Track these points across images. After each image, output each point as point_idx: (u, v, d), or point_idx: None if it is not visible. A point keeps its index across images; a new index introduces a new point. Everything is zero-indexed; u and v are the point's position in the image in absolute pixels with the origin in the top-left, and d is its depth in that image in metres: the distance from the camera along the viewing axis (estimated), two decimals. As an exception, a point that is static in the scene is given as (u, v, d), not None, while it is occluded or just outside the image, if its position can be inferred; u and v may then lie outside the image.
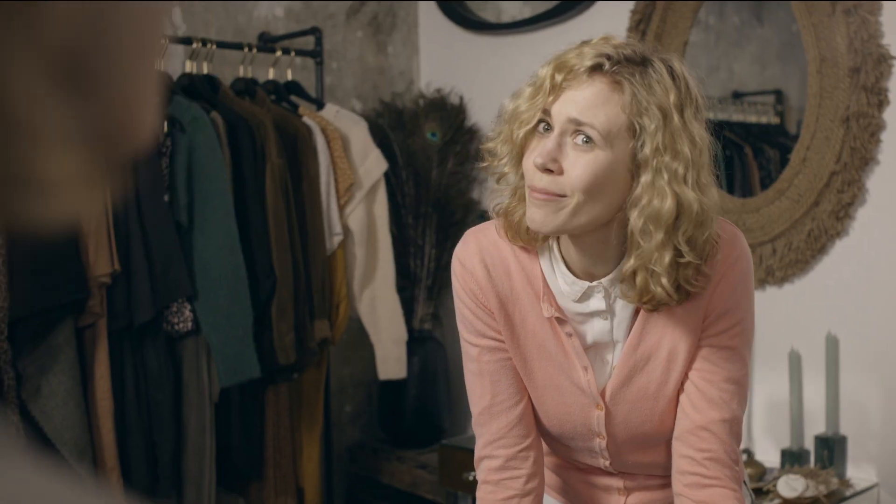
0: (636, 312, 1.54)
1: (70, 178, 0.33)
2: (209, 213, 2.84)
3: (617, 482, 1.68)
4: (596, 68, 1.40)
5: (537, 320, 1.55)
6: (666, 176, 1.38)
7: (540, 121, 1.43)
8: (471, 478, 3.24)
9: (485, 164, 1.54)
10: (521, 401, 1.59)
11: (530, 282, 1.55)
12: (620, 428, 1.59)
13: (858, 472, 2.84)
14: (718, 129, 1.53)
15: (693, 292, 1.47)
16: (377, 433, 3.90)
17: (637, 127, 1.38)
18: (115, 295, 2.68)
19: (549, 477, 1.76)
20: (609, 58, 1.40)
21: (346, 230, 3.26)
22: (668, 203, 1.37)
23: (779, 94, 3.45)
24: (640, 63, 1.41)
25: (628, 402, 1.57)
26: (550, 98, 1.41)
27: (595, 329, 1.55)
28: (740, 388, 1.54)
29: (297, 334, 3.04)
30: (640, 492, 1.69)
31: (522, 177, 1.46)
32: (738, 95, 3.48)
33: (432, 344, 3.75)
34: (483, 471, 1.62)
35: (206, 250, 2.84)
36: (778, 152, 3.35)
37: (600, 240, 1.47)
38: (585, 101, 1.38)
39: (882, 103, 2.74)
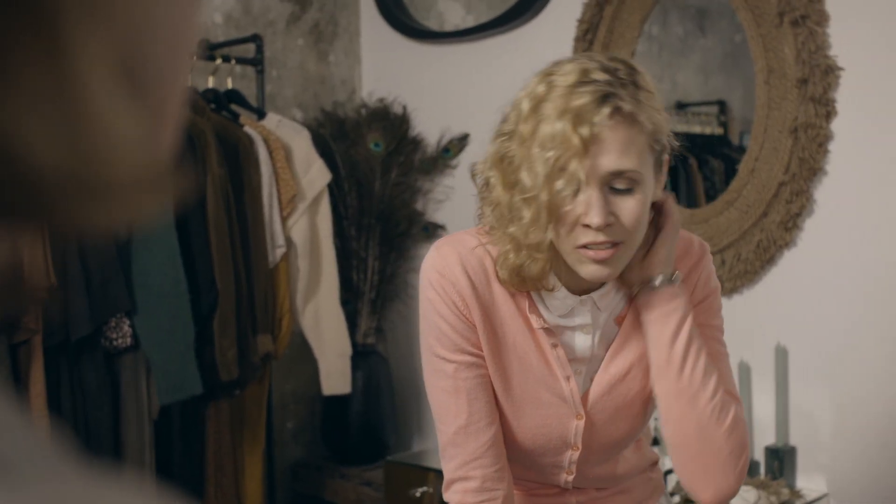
0: (619, 323, 1.59)
1: (138, 183, 0.33)
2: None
3: (569, 499, 1.69)
4: (616, 111, 1.39)
5: (518, 332, 1.55)
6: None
7: None
8: (417, 494, 3.23)
9: (490, 230, 1.53)
10: (495, 420, 1.57)
11: (512, 293, 1.55)
12: (597, 437, 1.61)
13: (808, 483, 2.88)
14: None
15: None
16: (320, 450, 3.88)
17: (656, 148, 1.45)
18: (52, 310, 2.63)
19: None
20: (616, 96, 1.39)
21: (289, 242, 3.24)
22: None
23: (722, 105, 3.50)
24: (633, 83, 1.42)
25: (609, 411, 1.59)
26: (587, 161, 1.38)
27: (577, 342, 1.57)
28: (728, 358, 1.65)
29: (240, 349, 3.02)
30: None
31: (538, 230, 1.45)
32: (681, 106, 3.53)
33: (376, 358, 3.74)
34: (457, 493, 1.57)
35: (146, 264, 2.80)
36: (722, 163, 3.39)
37: None
38: (618, 149, 1.39)
39: (829, 114, 2.79)
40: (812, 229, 2.86)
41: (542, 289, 1.52)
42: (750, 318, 2.97)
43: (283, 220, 3.21)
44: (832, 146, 2.81)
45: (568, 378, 1.56)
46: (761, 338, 2.93)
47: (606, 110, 1.37)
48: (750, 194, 2.96)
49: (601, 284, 1.55)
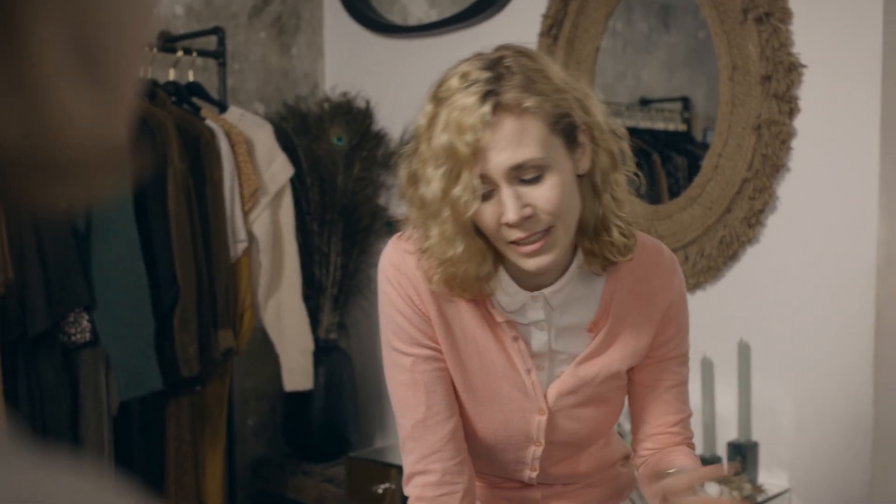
0: (591, 332, 1.58)
1: (94, 163, 0.33)
2: (108, 220, 2.78)
3: (534, 493, 1.70)
4: (498, 107, 1.38)
5: (478, 326, 1.55)
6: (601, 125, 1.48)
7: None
8: (380, 491, 3.23)
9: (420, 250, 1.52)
10: (455, 413, 1.57)
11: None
12: (559, 434, 1.61)
13: (770, 478, 2.91)
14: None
15: (649, 310, 1.58)
16: (281, 447, 3.86)
17: (560, 126, 1.41)
18: (9, 304, 2.60)
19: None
20: (497, 91, 1.38)
21: (251, 237, 3.23)
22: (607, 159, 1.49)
23: (686, 101, 3.52)
24: (521, 70, 1.41)
25: (572, 410, 1.60)
26: (477, 167, 1.38)
27: (532, 338, 1.56)
28: (687, 384, 1.68)
29: (201, 345, 3.00)
30: (555, 501, 1.71)
31: (466, 236, 1.45)
32: (645, 102, 3.55)
33: (338, 354, 3.73)
34: (417, 486, 1.58)
35: (106, 258, 2.78)
36: (685, 160, 3.42)
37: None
38: (510, 144, 1.38)
39: (793, 111, 2.81)
40: (775, 226, 2.89)
41: (484, 294, 1.53)
42: (713, 314, 2.99)
43: (245, 214, 3.20)
44: (795, 143, 2.83)
45: (529, 371, 1.56)
46: (724, 333, 2.95)
47: (487, 109, 1.36)
48: (713, 191, 2.98)
49: (556, 279, 1.54)
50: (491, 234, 1.45)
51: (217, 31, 3.45)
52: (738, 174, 2.91)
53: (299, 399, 3.61)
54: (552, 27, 3.28)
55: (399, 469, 3.25)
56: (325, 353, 3.65)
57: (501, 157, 1.38)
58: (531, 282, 1.54)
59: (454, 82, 1.40)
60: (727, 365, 2.93)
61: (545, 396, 1.58)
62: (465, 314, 1.55)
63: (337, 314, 3.74)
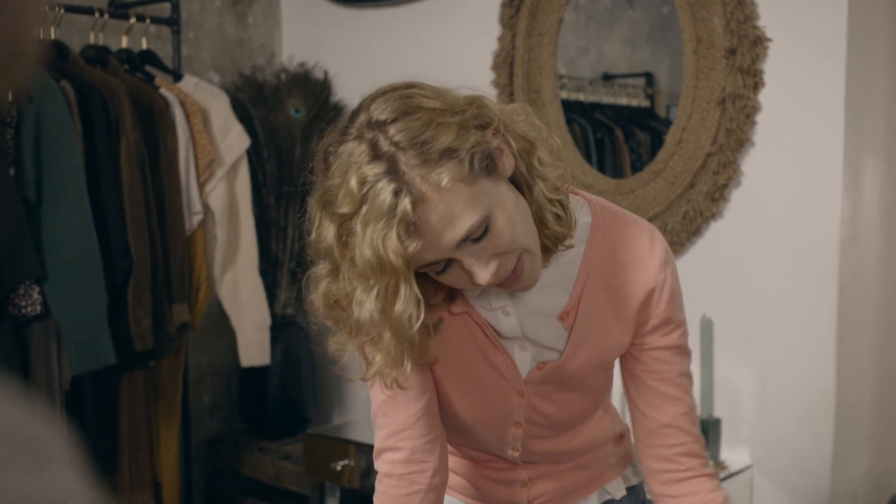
0: (563, 319, 1.52)
1: None
2: (59, 190, 2.75)
3: (520, 474, 1.68)
4: (416, 201, 1.26)
5: (447, 314, 1.51)
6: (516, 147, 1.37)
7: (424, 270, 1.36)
8: (338, 468, 3.23)
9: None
10: (427, 390, 1.55)
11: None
12: (539, 416, 1.58)
13: (732, 455, 2.94)
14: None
15: (627, 293, 1.51)
16: (237, 424, 3.85)
17: (476, 165, 1.30)
18: (-44, 276, 2.58)
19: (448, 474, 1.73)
20: (403, 179, 1.26)
21: (207, 209, 3.20)
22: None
23: (649, 77, 3.53)
24: (409, 139, 1.28)
25: (551, 395, 1.57)
26: (413, 271, 1.31)
27: (501, 324, 1.52)
28: (691, 379, 1.59)
29: (155, 319, 2.98)
30: (542, 482, 1.69)
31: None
32: (608, 77, 3.56)
33: (295, 330, 3.72)
34: (386, 462, 1.56)
35: (57, 229, 2.75)
36: (649, 136, 3.43)
37: None
38: (445, 227, 1.29)
39: (757, 85, 2.83)
40: (739, 201, 2.91)
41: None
42: (675, 290, 3.01)
43: (201, 186, 3.17)
44: (760, 117, 2.85)
45: (503, 352, 1.53)
46: (687, 309, 2.96)
47: (406, 208, 1.25)
48: (677, 165, 2.99)
49: None
50: (467, 289, 1.42)
51: (171, -3, 3.42)
52: (701, 148, 2.93)
53: (255, 375, 3.60)
54: (515, -2, 3.28)
55: (358, 446, 3.25)
56: (281, 328, 3.63)
57: (443, 242, 1.29)
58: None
59: (353, 192, 1.27)
60: (690, 341, 2.94)
61: (525, 380, 1.55)
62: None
63: (294, 289, 3.72)
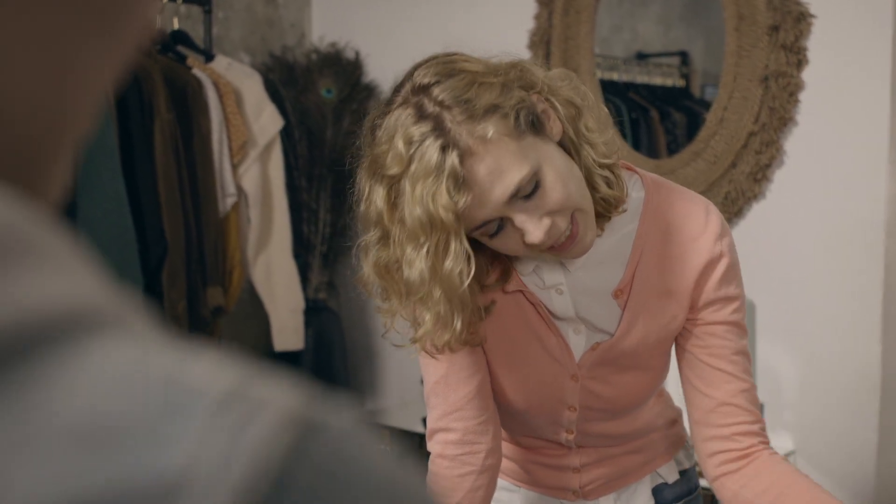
0: (617, 297, 1.53)
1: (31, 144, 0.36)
2: (94, 173, 2.79)
3: (573, 460, 1.69)
4: (463, 154, 1.32)
5: (500, 295, 1.54)
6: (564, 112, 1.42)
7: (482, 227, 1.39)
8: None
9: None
10: (479, 370, 1.57)
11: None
12: (595, 399, 1.59)
13: (775, 440, 2.94)
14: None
15: (682, 268, 1.52)
16: (268, 410, 3.90)
17: (521, 123, 1.35)
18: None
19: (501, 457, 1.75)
20: (450, 135, 1.31)
21: (240, 191, 3.25)
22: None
23: (684, 56, 3.55)
24: (454, 97, 1.33)
25: (606, 377, 1.58)
26: (465, 227, 1.35)
27: (554, 303, 1.54)
28: (748, 358, 1.58)
29: (190, 302, 3.03)
30: (594, 468, 1.70)
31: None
32: (642, 56, 3.57)
33: (327, 314, 3.76)
34: (439, 443, 1.59)
35: (92, 213, 2.79)
36: (684, 116, 3.45)
37: None
38: (494, 181, 1.33)
39: (801, 62, 2.85)
40: (782, 181, 2.93)
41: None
42: (716, 272, 3.03)
43: (234, 167, 3.21)
44: (803, 96, 2.87)
45: (556, 335, 1.55)
46: (728, 292, 2.99)
47: (454, 163, 1.29)
48: (718, 145, 3.01)
49: None
50: (521, 255, 1.44)
51: (202, -23, 3.46)
52: (743, 127, 2.95)
53: (288, 360, 3.64)
54: (552, -25, 3.30)
55: (392, 431, 3.29)
56: (314, 313, 3.68)
57: (493, 197, 1.33)
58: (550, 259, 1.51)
59: (401, 150, 1.31)
60: (731, 324, 2.97)
61: (578, 363, 1.57)
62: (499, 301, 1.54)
63: (326, 273, 3.77)
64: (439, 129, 1.31)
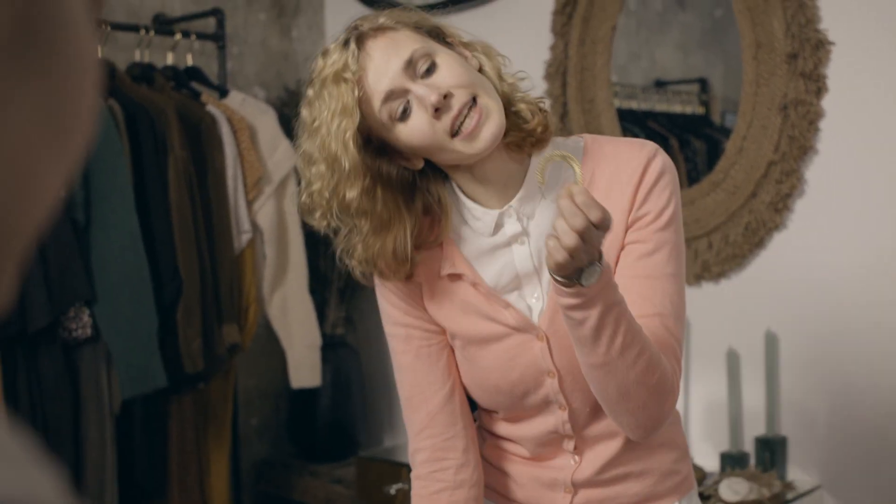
0: None
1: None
2: (108, 210, 2.81)
3: (568, 473, 1.69)
4: (361, 39, 1.51)
5: (446, 283, 1.63)
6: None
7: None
8: (392, 492, 3.26)
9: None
10: (441, 388, 1.66)
11: (431, 252, 1.64)
12: (568, 359, 1.59)
13: (800, 474, 2.94)
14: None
15: (620, 197, 1.56)
16: (286, 447, 3.90)
17: (429, 31, 1.54)
18: (7, 299, 2.63)
19: (489, 475, 1.78)
20: (353, 35, 1.51)
21: (255, 228, 3.26)
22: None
23: (703, 83, 3.54)
24: (371, 21, 1.53)
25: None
26: (361, 93, 1.50)
27: (516, 258, 1.60)
28: (665, 281, 1.56)
29: (205, 340, 3.03)
30: (588, 489, 1.69)
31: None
32: (660, 84, 3.57)
33: (345, 350, 3.76)
34: (416, 465, 1.68)
35: (106, 250, 2.81)
36: (704, 144, 3.44)
37: (501, 159, 1.57)
38: (388, 54, 1.49)
39: (820, 90, 2.84)
40: (803, 211, 2.92)
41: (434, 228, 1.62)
42: (738, 304, 3.02)
43: (249, 204, 3.22)
44: (823, 124, 2.86)
45: (506, 307, 1.59)
46: (750, 324, 2.98)
47: (352, 46, 1.49)
48: (738, 174, 3.00)
49: (515, 192, 1.60)
50: (432, 145, 1.51)
51: (216, 12, 3.48)
52: (763, 157, 2.94)
53: (305, 397, 3.64)
54: (567, 5, 3.31)
55: (410, 469, 3.28)
56: (331, 348, 3.68)
57: (391, 66, 1.49)
58: (499, 200, 1.60)
59: (318, 63, 1.54)
60: (754, 357, 2.96)
61: (538, 322, 1.60)
62: (433, 280, 1.64)
63: (343, 308, 3.77)
64: (352, 31, 1.52)
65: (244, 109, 3.31)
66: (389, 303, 1.67)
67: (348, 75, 1.47)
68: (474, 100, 1.49)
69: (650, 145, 1.59)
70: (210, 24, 3.53)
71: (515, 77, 1.60)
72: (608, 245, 1.51)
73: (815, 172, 2.89)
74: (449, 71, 1.49)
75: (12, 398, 2.67)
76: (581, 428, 1.67)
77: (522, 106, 1.56)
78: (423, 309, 1.65)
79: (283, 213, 3.33)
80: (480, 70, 1.56)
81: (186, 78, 3.33)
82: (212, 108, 3.19)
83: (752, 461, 2.96)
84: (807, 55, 2.84)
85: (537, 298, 1.61)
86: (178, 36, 3.34)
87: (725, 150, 3.05)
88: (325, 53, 1.52)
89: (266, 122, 3.34)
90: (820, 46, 2.83)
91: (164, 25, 3.42)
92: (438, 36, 1.54)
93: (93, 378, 2.81)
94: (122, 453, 2.93)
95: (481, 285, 1.60)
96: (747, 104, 2.98)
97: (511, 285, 1.61)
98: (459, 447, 1.65)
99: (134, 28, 3.23)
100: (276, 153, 3.32)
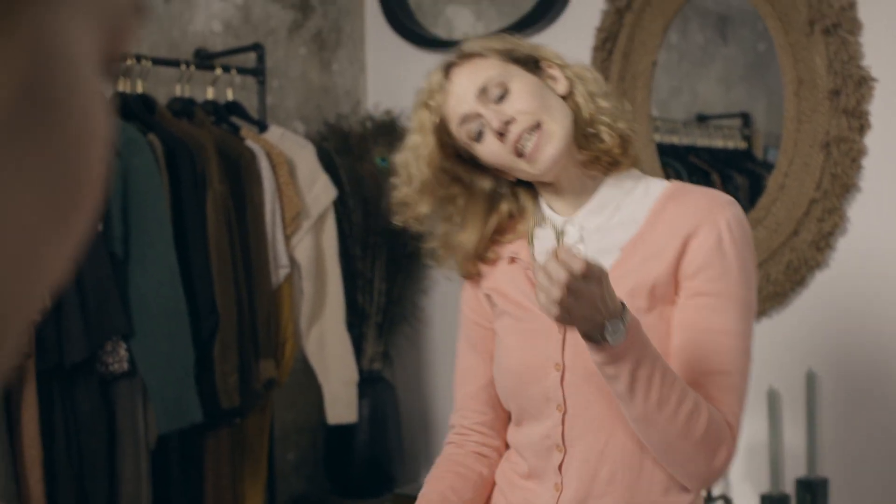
0: (623, 250, 1.71)
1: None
2: (147, 244, 2.84)
3: (555, 481, 1.72)
4: (449, 68, 1.73)
5: (508, 266, 1.82)
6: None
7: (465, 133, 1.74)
8: (428, 529, 3.25)
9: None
10: (479, 377, 1.87)
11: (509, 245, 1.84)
12: (579, 357, 1.66)
13: (843, 518, 2.90)
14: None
15: (676, 232, 1.67)
16: (323, 483, 3.89)
17: (515, 56, 1.72)
18: (45, 332, 2.66)
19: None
20: (451, 58, 1.75)
21: (293, 262, 3.27)
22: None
23: (745, 117, 3.53)
24: (461, 50, 1.75)
25: None
26: (439, 120, 1.73)
27: None
28: (727, 337, 1.64)
29: (242, 375, 3.04)
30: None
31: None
32: (702, 118, 3.56)
33: (383, 385, 3.76)
34: (447, 437, 1.94)
35: (144, 284, 2.83)
36: (747, 179, 3.42)
37: (575, 174, 1.74)
38: (468, 79, 1.70)
39: (863, 127, 2.82)
40: (845, 249, 2.89)
41: (515, 227, 1.83)
42: (779, 343, 2.99)
43: (287, 238, 3.24)
44: (866, 161, 2.84)
45: None
46: (791, 364, 2.95)
47: (440, 71, 1.73)
48: (779, 212, 2.98)
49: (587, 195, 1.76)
50: (503, 163, 1.71)
51: (256, 47, 3.51)
52: (805, 195, 2.92)
53: (342, 432, 3.64)
54: (606, 41, 3.31)
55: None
56: (368, 383, 3.68)
57: (468, 92, 1.69)
58: (566, 209, 1.78)
59: (421, 86, 1.80)
60: (795, 397, 2.93)
61: None
62: (500, 277, 1.83)
63: (381, 343, 3.77)
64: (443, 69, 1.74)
65: (283, 144, 3.33)
66: (464, 299, 1.90)
67: (432, 102, 1.72)
68: (539, 124, 1.66)
69: (724, 198, 1.69)
70: (250, 58, 3.56)
71: (607, 98, 1.75)
72: (656, 294, 1.65)
73: (858, 210, 2.87)
74: (518, 97, 1.67)
75: (49, 432, 2.69)
76: (572, 440, 1.70)
77: (602, 128, 1.71)
78: (486, 311, 1.86)
79: (321, 248, 3.34)
80: (571, 92, 1.72)
81: (226, 112, 3.36)
82: (251, 143, 3.22)
83: (794, 503, 2.92)
84: (849, 92, 2.83)
85: None
86: (219, 70, 3.37)
87: (767, 187, 3.04)
88: (427, 77, 1.76)
89: (305, 157, 3.36)
90: (863, 83, 2.82)
91: (204, 60, 3.45)
92: (529, 61, 1.72)
93: (129, 412, 2.83)
94: (157, 488, 2.94)
95: (529, 270, 1.77)
96: (789, 141, 2.96)
97: None
98: (482, 433, 1.88)
99: (175, 63, 3.27)
100: (315, 187, 3.34)
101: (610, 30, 3.30)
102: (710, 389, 1.60)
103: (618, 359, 1.48)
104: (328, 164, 3.61)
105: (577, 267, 1.39)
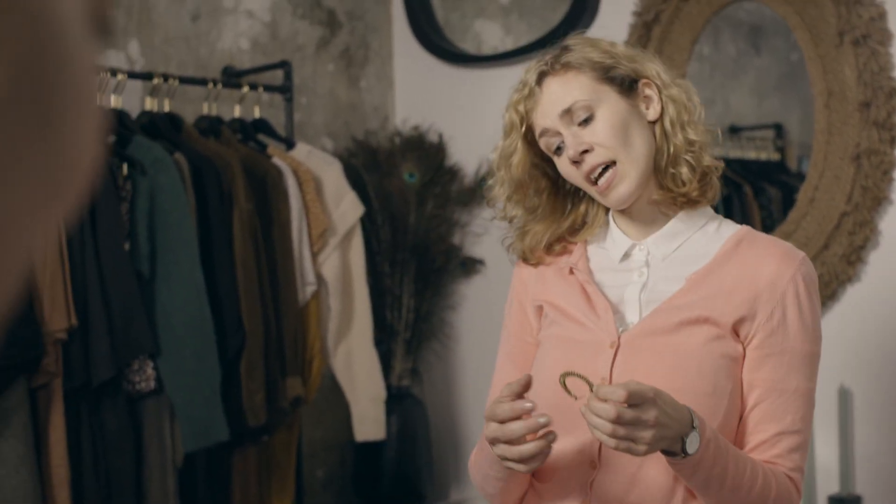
0: (691, 279, 1.72)
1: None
2: (173, 263, 2.86)
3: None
4: (543, 75, 1.72)
5: (565, 274, 1.82)
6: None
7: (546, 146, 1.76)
8: (457, 548, 3.25)
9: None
10: (514, 373, 1.81)
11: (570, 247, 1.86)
12: (625, 374, 1.66)
13: (877, 535, 2.87)
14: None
15: (747, 282, 1.68)
16: (352, 500, 3.90)
17: (611, 76, 1.70)
18: (72, 352, 2.68)
19: None
20: (548, 63, 1.72)
21: (320, 280, 3.28)
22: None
23: (778, 129, 3.51)
24: (562, 48, 1.75)
25: (644, 350, 1.68)
26: (525, 126, 1.75)
27: (630, 285, 1.76)
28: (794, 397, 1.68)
29: (268, 393, 3.05)
30: None
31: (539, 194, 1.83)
32: (735, 130, 3.54)
33: (411, 402, 3.76)
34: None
35: (170, 303, 2.85)
36: (779, 191, 3.40)
37: (648, 207, 1.75)
38: (557, 96, 1.70)
39: (894, 139, 2.80)
40: (877, 263, 2.87)
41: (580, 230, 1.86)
42: (811, 358, 2.96)
43: (314, 256, 3.25)
44: (897, 174, 2.82)
45: (606, 308, 1.72)
46: (823, 379, 2.89)
47: (533, 76, 1.72)
48: (809, 225, 2.97)
49: (658, 225, 1.77)
50: (576, 183, 1.74)
51: (284, 64, 3.53)
52: (836, 208, 2.90)
53: (370, 449, 3.64)
54: (634, 55, 3.30)
55: (477, 524, 3.26)
56: (397, 400, 3.68)
57: (552, 108, 1.69)
58: (638, 233, 1.78)
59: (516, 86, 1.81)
60: (827, 413, 2.90)
61: (621, 333, 1.71)
62: (556, 282, 1.83)
63: (410, 360, 3.78)
64: (549, 63, 1.73)
65: (310, 161, 3.35)
66: (509, 304, 1.91)
67: (521, 108, 1.74)
68: (615, 162, 1.67)
69: (799, 254, 1.71)
70: (278, 76, 3.58)
71: (696, 128, 1.73)
72: (710, 323, 1.67)
73: (890, 223, 2.84)
74: (602, 126, 1.67)
75: (76, 450, 2.71)
76: (607, 458, 1.70)
77: (684, 169, 1.69)
78: (531, 325, 1.86)
79: (348, 265, 3.35)
80: (661, 117, 1.71)
81: (253, 130, 3.38)
82: (277, 161, 3.23)
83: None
84: (880, 104, 2.81)
85: (628, 318, 1.75)
86: (246, 88, 3.39)
87: (797, 200, 3.02)
88: (523, 75, 1.77)
89: (332, 174, 3.37)
90: (893, 95, 2.80)
91: (231, 78, 3.47)
92: (624, 83, 1.71)
93: (156, 431, 2.85)
94: (185, 506, 2.96)
95: (589, 285, 1.76)
96: (819, 154, 2.95)
97: (612, 300, 1.77)
98: None
99: (202, 82, 3.29)
100: (342, 205, 3.35)
101: (638, 42, 3.30)
102: (781, 447, 1.66)
103: (697, 466, 1.53)
104: (356, 180, 3.63)
105: (620, 396, 1.43)
